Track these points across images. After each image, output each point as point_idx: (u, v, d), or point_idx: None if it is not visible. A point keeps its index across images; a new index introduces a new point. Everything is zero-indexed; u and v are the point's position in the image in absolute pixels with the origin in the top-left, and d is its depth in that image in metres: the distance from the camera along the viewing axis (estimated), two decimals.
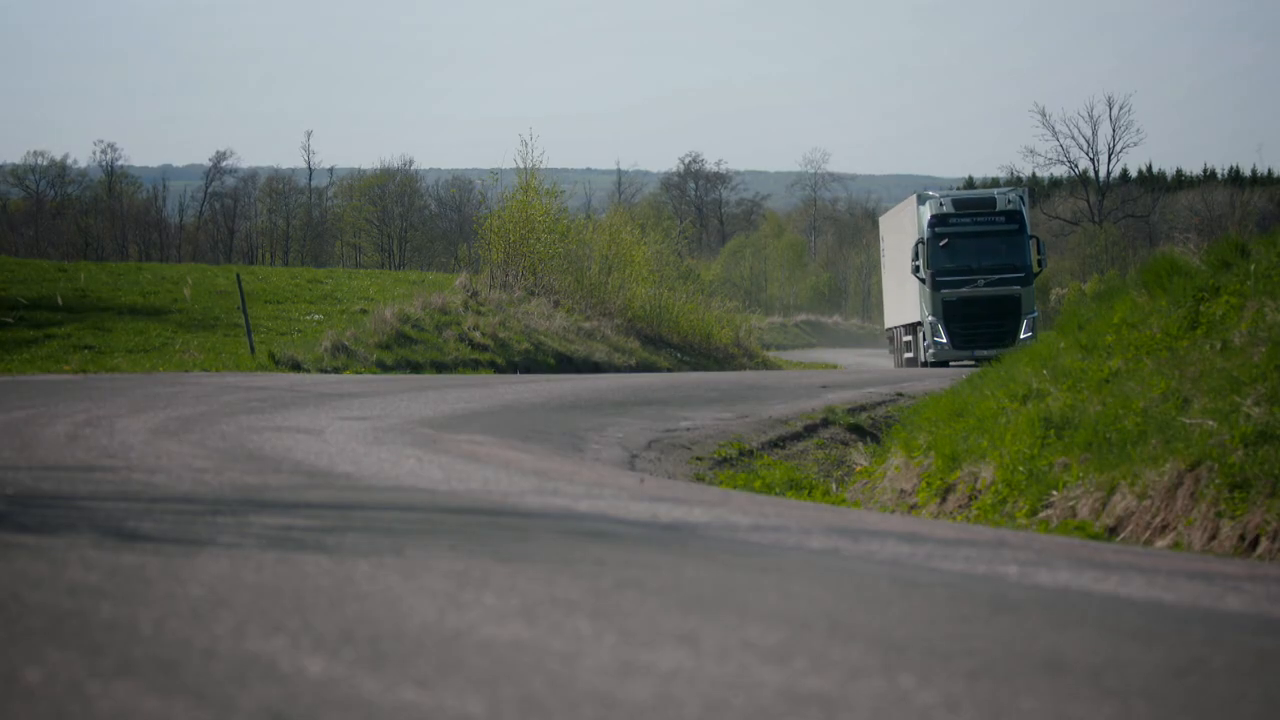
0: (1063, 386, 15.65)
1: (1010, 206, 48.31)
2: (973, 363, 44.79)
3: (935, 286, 47.61)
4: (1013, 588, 6.59)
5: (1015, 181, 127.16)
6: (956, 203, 48.76)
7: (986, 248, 47.73)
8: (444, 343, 40.81)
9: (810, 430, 21.37)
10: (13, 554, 6.15)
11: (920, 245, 48.13)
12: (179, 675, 3.98)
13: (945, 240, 47.70)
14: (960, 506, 14.61)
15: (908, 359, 49.93)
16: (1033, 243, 48.20)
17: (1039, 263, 48.27)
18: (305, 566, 6.01)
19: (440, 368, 38.47)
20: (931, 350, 47.44)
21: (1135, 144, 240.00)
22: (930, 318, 47.66)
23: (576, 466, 13.28)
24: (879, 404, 25.61)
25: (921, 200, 49.44)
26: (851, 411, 23.80)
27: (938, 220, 48.09)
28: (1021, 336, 46.11)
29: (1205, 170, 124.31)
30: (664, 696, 3.94)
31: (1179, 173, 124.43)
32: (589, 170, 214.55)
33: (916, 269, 48.19)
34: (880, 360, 59.53)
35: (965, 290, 47.49)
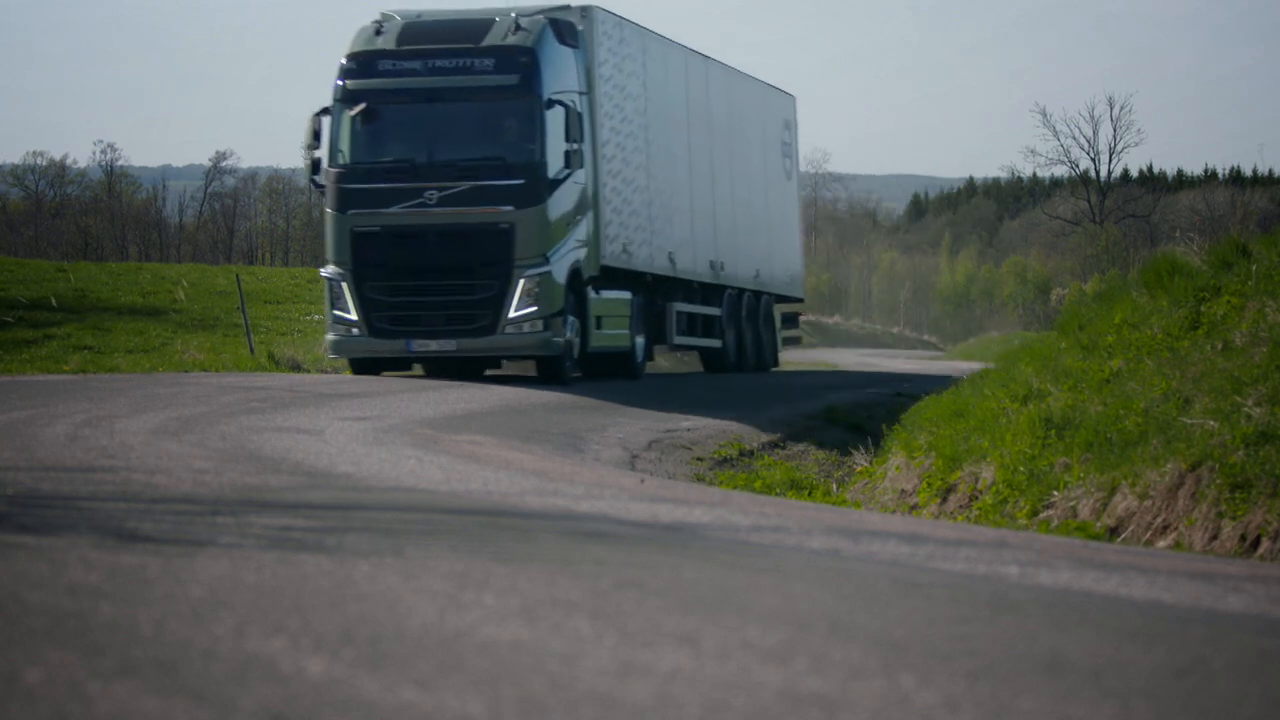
0: (1063, 387, 15.65)
1: (516, 41, 25.08)
2: (422, 370, 26.22)
3: (340, 205, 24.87)
4: (1013, 588, 6.58)
5: (1015, 182, 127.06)
6: (407, 32, 25.53)
7: (449, 126, 25.11)
8: None
9: (810, 430, 21.36)
10: (13, 554, 6.15)
11: (322, 119, 25.22)
12: (179, 676, 3.98)
13: (364, 109, 24.88)
14: (961, 507, 14.60)
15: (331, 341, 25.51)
16: (559, 115, 24.83)
17: (571, 158, 24.83)
18: (305, 567, 6.01)
19: None
20: (332, 337, 25.09)
21: (1136, 144, 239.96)
22: (334, 270, 24.90)
23: (577, 467, 13.28)
24: (879, 404, 25.60)
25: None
26: (852, 411, 23.79)
27: (358, 66, 25.28)
28: (514, 314, 24.41)
29: (1206, 170, 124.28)
30: (664, 697, 3.94)
31: (1180, 173, 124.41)
32: None
33: (315, 169, 25.28)
34: (883, 361, 59.50)
35: (397, 215, 24.65)
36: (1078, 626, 5.43)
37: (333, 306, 24.81)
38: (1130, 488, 12.40)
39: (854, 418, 22.98)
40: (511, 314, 24.41)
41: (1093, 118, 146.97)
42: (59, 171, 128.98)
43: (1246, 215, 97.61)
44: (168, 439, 12.81)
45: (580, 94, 25.95)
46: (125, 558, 6.08)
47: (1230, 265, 16.15)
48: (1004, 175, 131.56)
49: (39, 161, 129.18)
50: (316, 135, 25.21)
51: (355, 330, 24.60)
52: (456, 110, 25.15)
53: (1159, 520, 12.00)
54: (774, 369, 34.69)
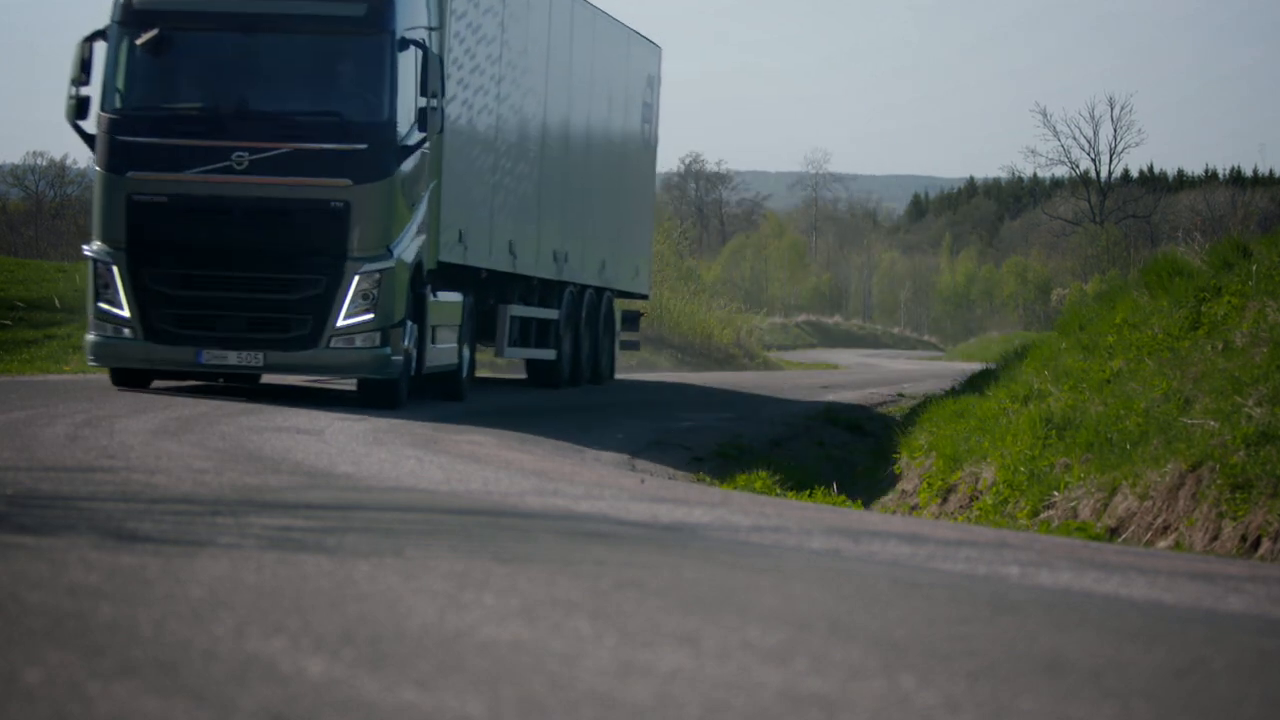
0: (1064, 387, 15.65)
1: None
2: (222, 382, 20.36)
3: (113, 163, 18.97)
4: (1014, 588, 6.58)
5: (1015, 182, 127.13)
6: None
7: (270, 67, 19.44)
8: None
9: (811, 430, 21.35)
10: (12, 554, 6.15)
11: (94, 46, 19.08)
12: (179, 676, 3.97)
13: (154, 36, 18.94)
14: (961, 507, 14.60)
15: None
16: (412, 59, 19.16)
17: (426, 118, 19.08)
18: (305, 567, 6.00)
19: None
20: (94, 337, 18.96)
21: (1137, 144, 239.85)
22: (101, 250, 18.96)
23: (577, 467, 13.27)
24: (880, 404, 25.61)
25: None
26: (852, 412, 23.79)
27: None
28: (343, 322, 18.63)
29: (1207, 170, 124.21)
30: (664, 697, 3.93)
31: (1180, 173, 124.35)
32: None
33: (80, 112, 18.98)
34: (884, 361, 59.51)
35: (192, 182, 18.86)
36: (1078, 627, 5.43)
37: (98, 298, 18.35)
38: (1131, 488, 12.40)
39: (855, 418, 22.97)
40: (340, 321, 18.31)
41: (1093, 118, 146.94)
42: (59, 171, 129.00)
43: (1247, 215, 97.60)
44: (167, 439, 12.81)
45: (431, 30, 19.58)
46: (125, 558, 6.07)
47: (1231, 265, 16.15)
48: (1004, 175, 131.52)
49: (39, 162, 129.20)
50: (85, 67, 18.62)
51: (127, 331, 18.24)
52: (281, 45, 18.98)
53: (1159, 521, 11.99)
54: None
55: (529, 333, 24.34)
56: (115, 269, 18.29)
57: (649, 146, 30.55)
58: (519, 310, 23.58)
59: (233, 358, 18.37)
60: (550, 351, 25.23)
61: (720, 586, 6.15)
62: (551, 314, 25.10)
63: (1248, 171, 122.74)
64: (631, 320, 30.03)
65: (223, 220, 18.36)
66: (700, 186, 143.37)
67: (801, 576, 6.67)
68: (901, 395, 27.23)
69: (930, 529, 9.83)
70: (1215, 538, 11.38)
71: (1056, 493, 13.25)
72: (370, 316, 18.31)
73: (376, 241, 18.46)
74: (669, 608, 5.41)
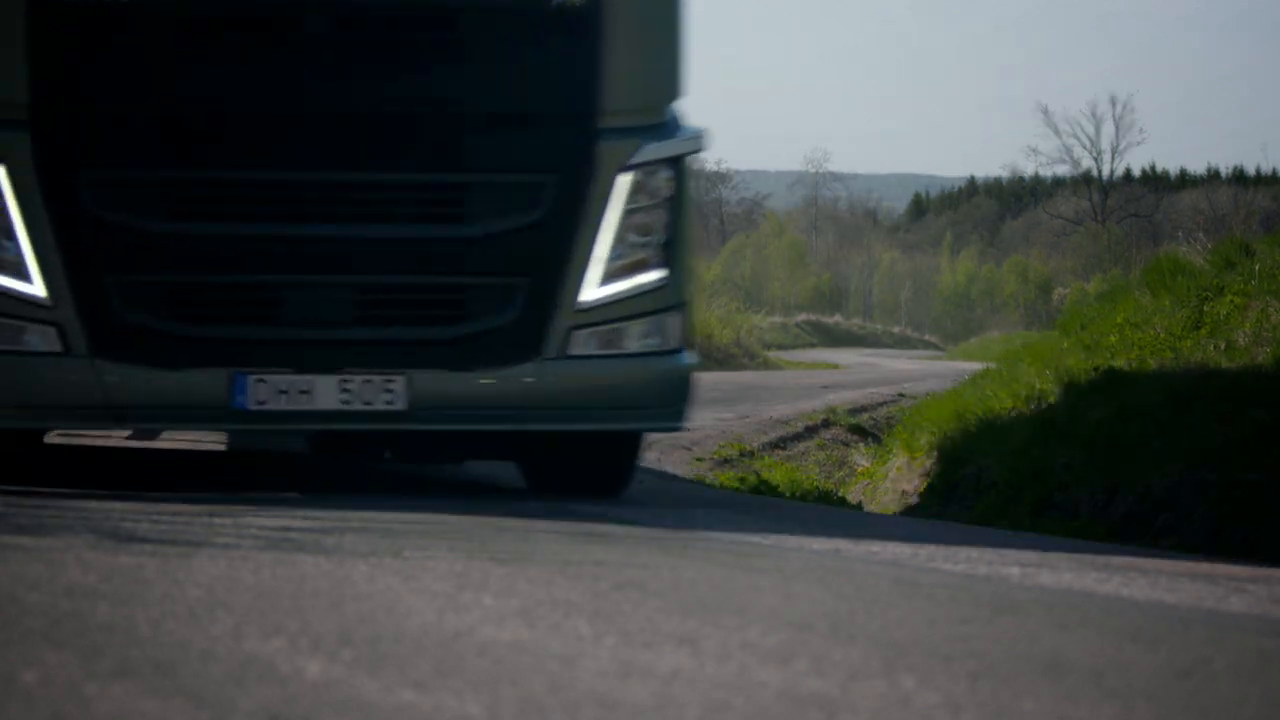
0: (1065, 386, 15.65)
1: None
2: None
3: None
4: (1015, 589, 6.57)
5: (1016, 181, 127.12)
6: None
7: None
8: None
9: (811, 431, 21.34)
10: (9, 555, 6.14)
11: None
12: (177, 677, 3.97)
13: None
14: (963, 507, 14.59)
15: None
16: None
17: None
18: (304, 567, 6.00)
19: None
20: None
21: (1139, 143, 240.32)
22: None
23: None
24: (880, 404, 25.60)
25: None
26: (853, 412, 23.78)
27: None
28: (604, 289, 8.76)
29: (1209, 169, 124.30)
30: (664, 698, 3.92)
31: (1182, 172, 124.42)
32: None
33: None
34: (884, 361, 59.53)
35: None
36: (1079, 627, 5.42)
37: None
38: (1132, 488, 12.39)
39: (855, 418, 22.97)
40: (593, 290, 8.89)
41: (1095, 117, 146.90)
42: None
43: (1249, 214, 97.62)
44: (166, 438, 12.80)
45: None
46: (122, 558, 6.07)
47: (1233, 265, 16.15)
48: (1005, 174, 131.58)
49: None
50: None
51: (40, 335, 8.51)
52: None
53: (1160, 521, 11.99)
54: (775, 368, 30.13)
55: None
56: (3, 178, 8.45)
57: None
58: None
59: (328, 392, 8.68)
60: None
61: (720, 587, 6.15)
62: None
63: (1250, 170, 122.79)
64: None
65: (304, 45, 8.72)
66: (700, 186, 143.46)
67: (802, 577, 6.66)
68: (902, 395, 27.23)
69: (931, 529, 9.83)
70: (1217, 538, 11.37)
71: (1057, 493, 13.26)
72: (661, 274, 8.93)
73: (647, 98, 9.03)
74: (669, 608, 5.40)
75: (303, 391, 8.58)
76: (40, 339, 8.42)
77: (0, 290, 8.38)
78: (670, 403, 9.00)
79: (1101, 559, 8.12)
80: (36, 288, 8.36)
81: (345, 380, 8.62)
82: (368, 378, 8.62)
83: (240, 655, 4.27)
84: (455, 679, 4.05)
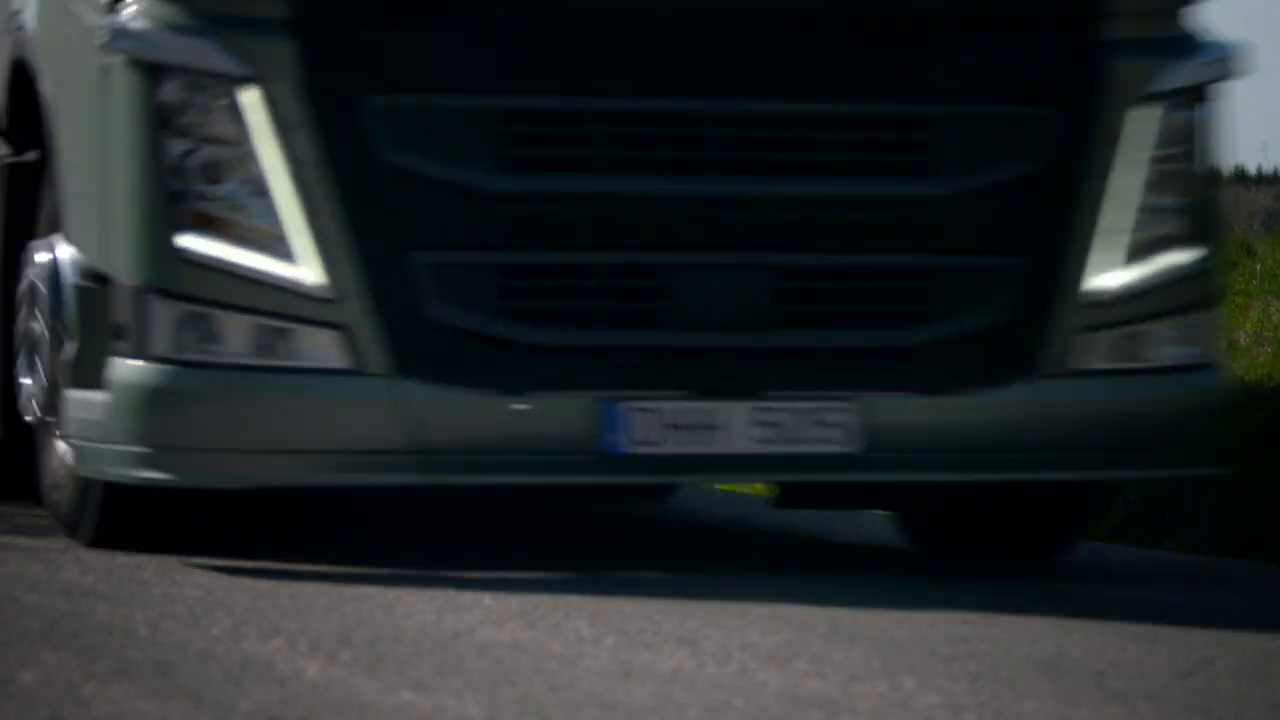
0: None
1: None
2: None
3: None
4: (1015, 589, 6.56)
5: None
6: None
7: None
8: None
9: None
10: (9, 555, 6.14)
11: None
12: (176, 677, 3.96)
13: None
14: None
15: None
16: None
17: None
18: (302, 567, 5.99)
19: None
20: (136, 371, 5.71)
21: None
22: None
23: None
24: None
25: None
26: None
27: None
28: (1132, 273, 6.23)
29: None
30: (664, 698, 3.92)
31: None
32: None
33: None
34: None
35: None
36: (1081, 628, 5.41)
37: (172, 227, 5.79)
38: (1132, 488, 12.38)
39: None
40: (1113, 275, 6.27)
41: None
42: None
43: (1250, 214, 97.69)
44: None
45: None
46: (121, 558, 6.06)
47: (1234, 264, 16.12)
48: None
49: None
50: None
51: (313, 345, 5.83)
52: None
53: (1162, 521, 11.98)
54: None
55: None
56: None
57: None
58: None
59: (738, 426, 6.06)
60: None
61: (720, 587, 6.13)
62: None
63: (1251, 170, 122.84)
64: None
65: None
66: None
67: (802, 577, 6.65)
68: None
69: None
70: (1218, 538, 11.36)
71: None
72: (1197, 252, 6.51)
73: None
74: (668, 608, 5.39)
75: (704, 426, 5.98)
76: (313, 349, 5.78)
77: (249, 275, 5.72)
78: (1201, 439, 6.56)
79: (1102, 559, 8.11)
80: (306, 271, 5.72)
81: (763, 409, 6.01)
82: (798, 405, 6.02)
83: (239, 656, 4.27)
84: (454, 679, 4.04)
